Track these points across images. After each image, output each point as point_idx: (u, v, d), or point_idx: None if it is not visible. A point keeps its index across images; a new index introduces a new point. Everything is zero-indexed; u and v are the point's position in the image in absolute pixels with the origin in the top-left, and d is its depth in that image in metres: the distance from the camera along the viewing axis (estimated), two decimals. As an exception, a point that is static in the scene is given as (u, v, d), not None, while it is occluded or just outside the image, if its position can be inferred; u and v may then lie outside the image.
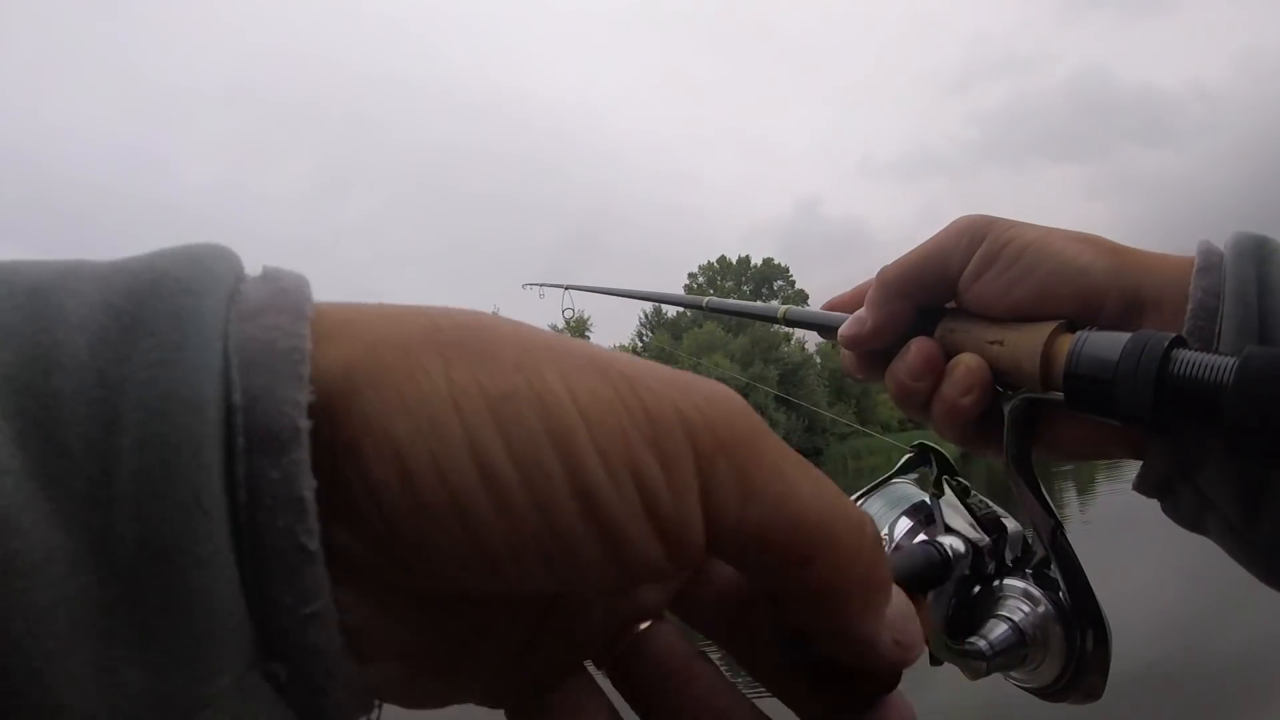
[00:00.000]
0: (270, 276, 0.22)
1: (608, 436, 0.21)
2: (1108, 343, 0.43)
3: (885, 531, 0.53)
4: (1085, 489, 15.99)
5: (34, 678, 0.17)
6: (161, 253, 0.22)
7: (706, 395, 0.22)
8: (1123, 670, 0.45)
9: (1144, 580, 7.24)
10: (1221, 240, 0.47)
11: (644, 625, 0.28)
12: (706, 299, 0.91)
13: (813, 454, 39.11)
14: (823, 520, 0.22)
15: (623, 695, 0.28)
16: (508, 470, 0.20)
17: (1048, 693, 0.47)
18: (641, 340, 45.72)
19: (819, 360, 43.67)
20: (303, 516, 0.19)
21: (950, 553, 0.47)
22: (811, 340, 44.04)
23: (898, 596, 0.25)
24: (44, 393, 0.19)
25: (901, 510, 0.54)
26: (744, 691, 0.27)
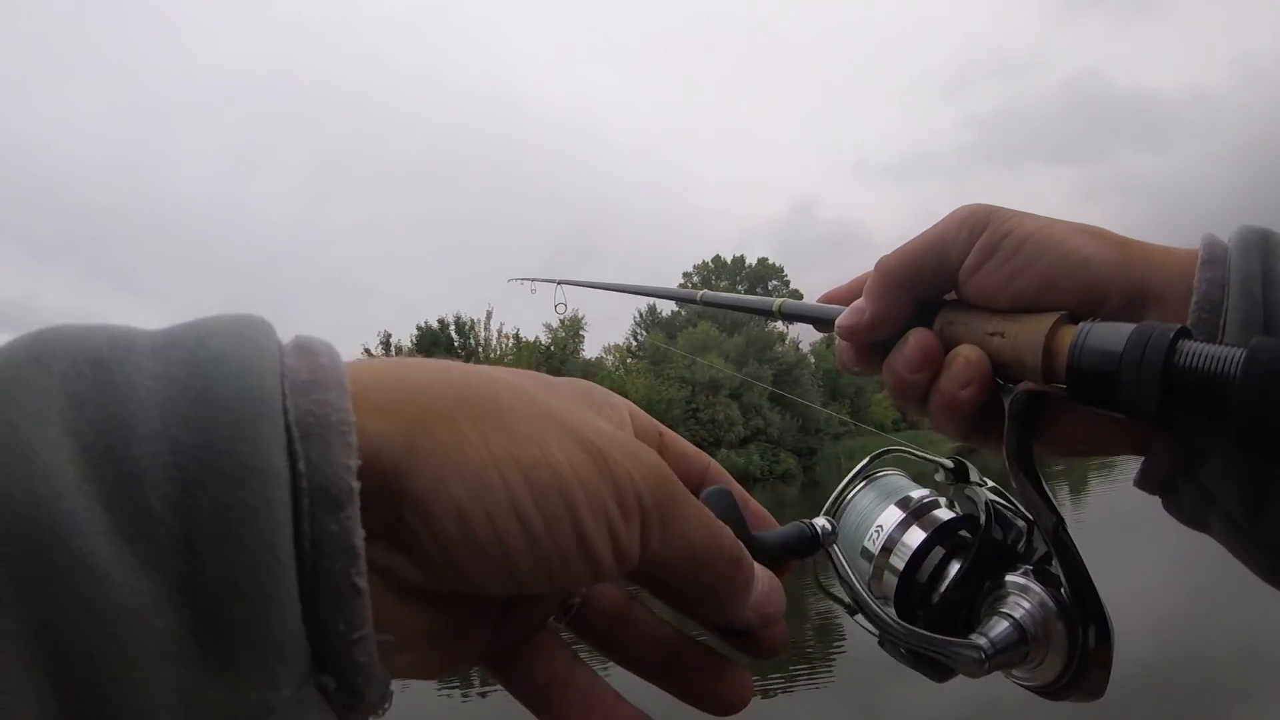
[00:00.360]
0: (305, 348, 0.27)
1: (593, 495, 0.29)
2: (1112, 334, 0.42)
3: (876, 521, 0.53)
4: (1079, 488, 15.95)
5: (127, 704, 0.22)
6: (210, 328, 0.26)
7: (648, 466, 0.32)
8: (1117, 668, 0.44)
9: (1138, 578, 7.26)
10: (1225, 235, 0.46)
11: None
12: (701, 293, 0.91)
13: (807, 454, 39.32)
14: (707, 548, 0.33)
15: (582, 639, 0.38)
16: (535, 518, 0.28)
17: (1049, 691, 0.46)
18: (636, 339, 45.69)
19: (813, 360, 43.80)
20: (355, 561, 0.24)
21: (819, 530, 0.45)
22: (806, 340, 43.85)
23: (764, 580, 0.36)
24: (124, 459, 0.23)
25: (893, 501, 0.53)
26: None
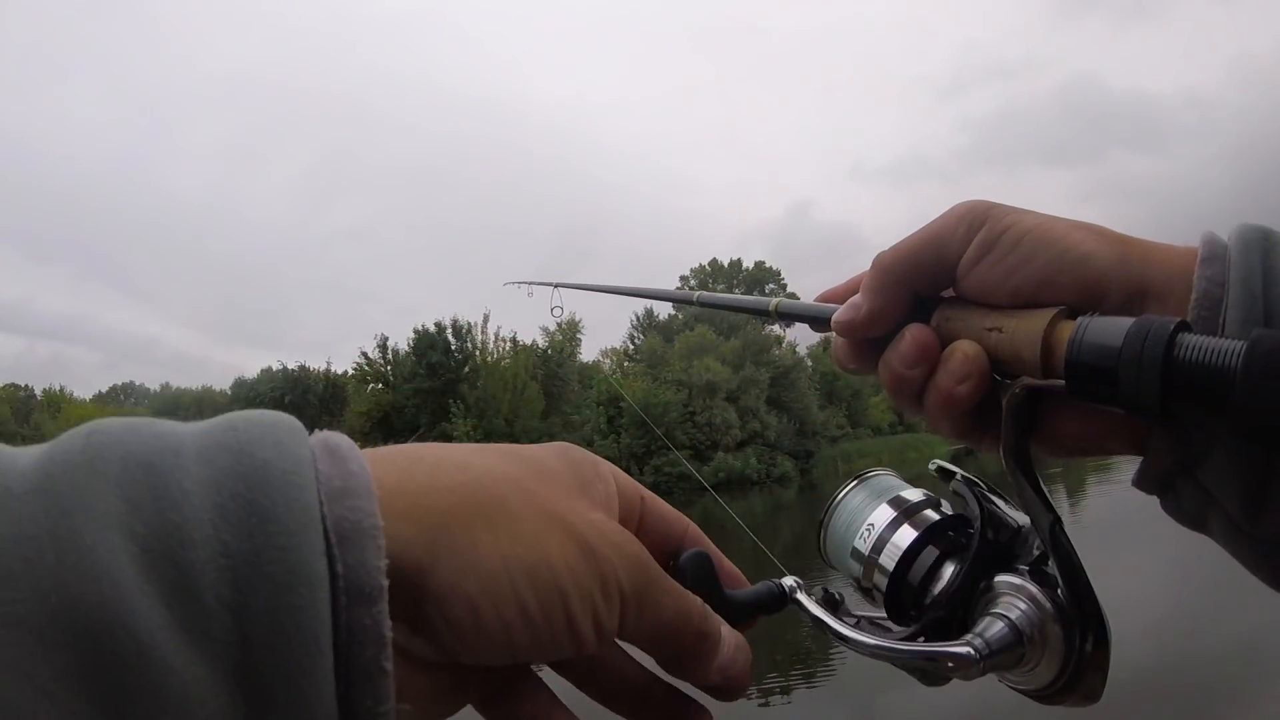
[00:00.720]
0: (334, 453, 0.31)
1: (583, 588, 0.35)
2: (1111, 328, 0.42)
3: (867, 520, 0.52)
4: (1076, 490, 16.02)
5: None
6: (249, 433, 0.29)
7: (629, 556, 0.37)
8: (1114, 671, 0.43)
9: (1135, 580, 7.25)
10: (1224, 235, 0.46)
11: None
12: (698, 294, 0.92)
13: (804, 457, 39.20)
14: (675, 626, 0.39)
15: (565, 677, 0.42)
16: (535, 609, 0.34)
17: (1044, 695, 0.45)
18: (633, 343, 45.69)
19: (810, 364, 43.77)
20: (384, 648, 0.28)
21: (785, 589, 0.48)
22: (803, 343, 43.51)
23: (731, 645, 0.42)
24: (182, 562, 0.26)
25: (885, 499, 0.53)
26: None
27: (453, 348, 37.16)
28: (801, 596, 0.48)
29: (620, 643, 0.41)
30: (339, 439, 0.32)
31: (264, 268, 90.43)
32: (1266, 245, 0.44)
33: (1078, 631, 0.43)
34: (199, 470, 0.28)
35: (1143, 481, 0.48)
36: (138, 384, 60.19)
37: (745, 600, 0.45)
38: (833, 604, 0.50)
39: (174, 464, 0.28)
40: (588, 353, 43.57)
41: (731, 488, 32.46)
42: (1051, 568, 0.45)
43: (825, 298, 0.60)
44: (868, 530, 0.52)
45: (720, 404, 35.16)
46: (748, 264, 54.95)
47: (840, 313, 0.54)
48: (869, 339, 0.54)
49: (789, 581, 0.48)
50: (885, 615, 0.50)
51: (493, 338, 37.88)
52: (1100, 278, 0.46)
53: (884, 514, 0.52)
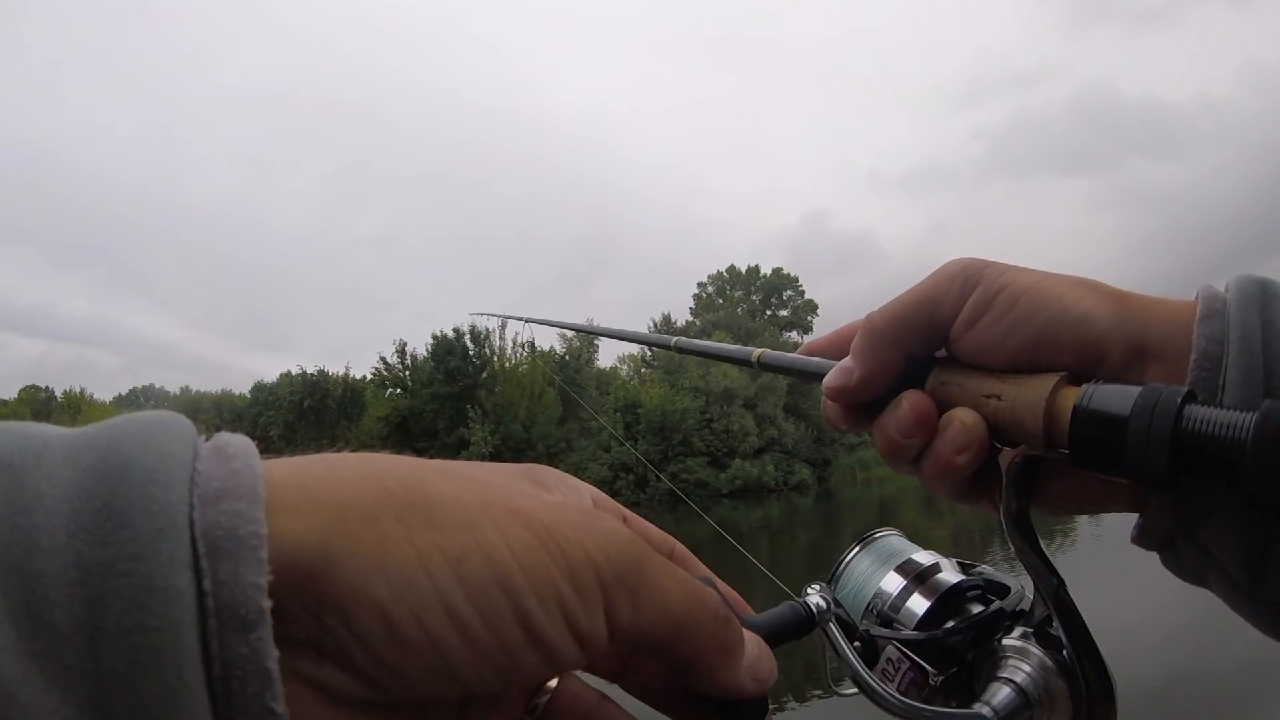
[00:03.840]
0: (222, 451, 0.25)
1: (539, 579, 0.28)
2: (1117, 397, 0.41)
3: (876, 586, 0.51)
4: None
5: None
6: (124, 429, 0.25)
7: (604, 534, 0.30)
8: (1129, 685, 0.44)
9: (1154, 594, 7.06)
10: (1222, 279, 0.46)
11: (552, 683, 0.36)
12: (676, 340, 0.83)
13: (821, 464, 39.03)
14: (687, 615, 0.32)
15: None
16: (469, 613, 0.26)
17: None
18: (650, 350, 45.68)
19: None
20: (269, 684, 0.23)
21: (814, 610, 0.44)
22: None
23: (753, 645, 0.35)
24: (29, 574, 0.22)
25: (892, 566, 0.52)
26: None
27: (471, 353, 37.54)
28: (834, 629, 0.45)
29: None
30: (234, 438, 0.27)
31: (285, 274, 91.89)
32: (1265, 299, 0.43)
33: (1084, 690, 0.44)
34: (60, 471, 0.23)
35: (1142, 539, 0.47)
36: (158, 387, 61.16)
37: (766, 626, 0.41)
38: (853, 633, 0.49)
39: (34, 464, 0.23)
40: (605, 358, 43.60)
41: (748, 495, 32.56)
42: (1056, 628, 0.45)
43: (810, 350, 0.59)
44: (878, 599, 0.51)
45: (738, 411, 35.14)
46: (765, 270, 54.86)
47: (831, 377, 0.53)
48: (861, 402, 0.53)
49: (816, 599, 0.44)
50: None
51: (510, 343, 38.14)
52: (1099, 338, 0.45)
53: (893, 581, 0.51)
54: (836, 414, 0.54)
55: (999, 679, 0.45)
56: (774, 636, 0.40)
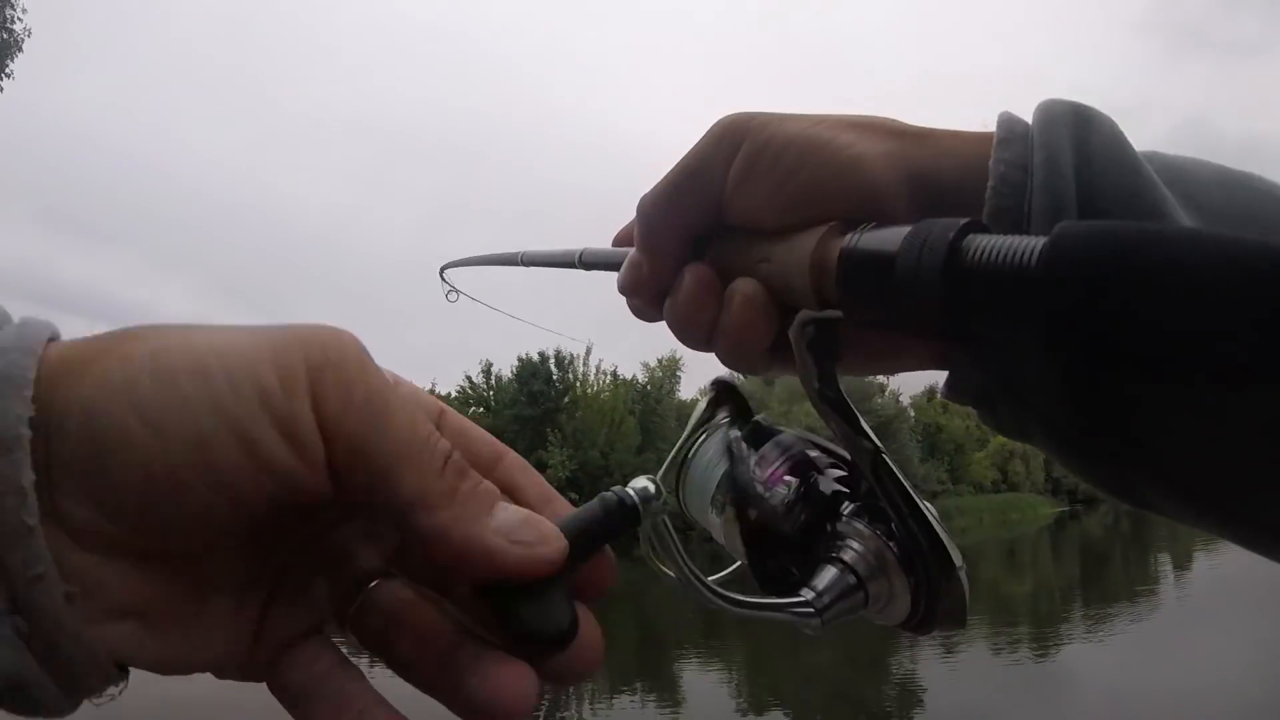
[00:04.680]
0: (21, 323, 0.28)
1: (236, 360, 0.27)
2: (884, 240, 0.36)
3: (721, 467, 0.47)
4: (1182, 563, 16.83)
5: None
6: None
7: (327, 330, 0.30)
8: None
9: (1240, 651, 7.77)
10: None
11: (372, 584, 0.35)
12: (522, 253, 0.76)
13: None
14: (411, 434, 0.29)
15: (366, 648, 0.34)
16: (157, 401, 0.26)
17: (910, 627, 0.41)
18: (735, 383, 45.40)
19: (912, 414, 37.02)
20: (24, 498, 0.25)
21: (637, 498, 0.36)
22: (906, 393, 40.14)
23: (513, 510, 0.32)
24: None
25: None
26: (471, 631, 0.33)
27: (554, 377, 37.21)
28: (658, 522, 0.37)
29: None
30: (38, 320, 0.29)
31: (380, 290, 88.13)
32: (1077, 120, 0.38)
33: (919, 561, 0.39)
34: None
35: (952, 394, 0.43)
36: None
37: (580, 525, 0.34)
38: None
39: None
40: (687, 390, 38.51)
41: None
42: (883, 501, 0.41)
43: (620, 239, 0.55)
44: (725, 480, 0.48)
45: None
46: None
47: (623, 275, 0.49)
48: (658, 292, 0.48)
49: (642, 483, 0.36)
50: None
51: (594, 370, 38.15)
52: (879, 181, 0.39)
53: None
54: (640, 308, 0.50)
55: (827, 559, 0.41)
56: (584, 533, 0.34)
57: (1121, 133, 0.38)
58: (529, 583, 0.31)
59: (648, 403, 39.17)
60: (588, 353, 37.63)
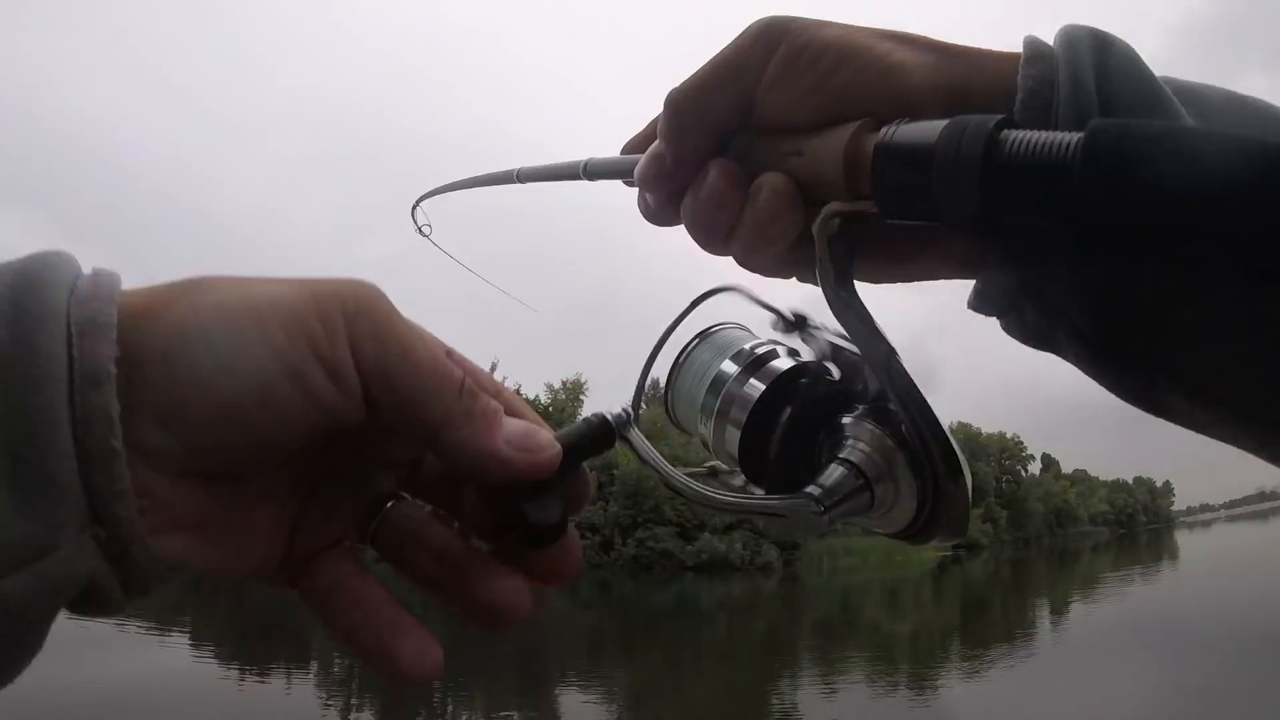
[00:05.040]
0: (95, 273, 0.32)
1: (287, 312, 0.32)
2: (922, 131, 0.37)
3: (710, 374, 0.48)
4: (1059, 609, 17.73)
5: None
6: (32, 257, 0.32)
7: (358, 283, 0.35)
8: None
9: (1114, 693, 8.24)
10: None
11: (389, 504, 0.40)
12: (519, 169, 0.78)
13: (790, 547, 37.04)
14: (433, 368, 0.35)
15: (384, 560, 0.40)
16: (225, 344, 0.31)
17: (908, 535, 0.42)
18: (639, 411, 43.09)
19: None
20: (111, 426, 0.29)
21: (612, 420, 0.41)
22: (1034, 466, 38.54)
23: (517, 423, 0.37)
24: None
25: (728, 355, 0.49)
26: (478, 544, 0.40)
27: None
28: (634, 434, 0.41)
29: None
30: (106, 270, 0.33)
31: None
32: (1097, 44, 0.40)
33: (928, 466, 0.39)
34: None
35: (979, 303, 0.44)
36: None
37: (569, 440, 0.39)
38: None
39: None
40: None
41: (713, 570, 32.98)
42: (894, 404, 0.40)
43: (630, 147, 0.54)
44: (716, 386, 0.48)
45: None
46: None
47: (643, 165, 0.48)
48: (677, 188, 0.47)
49: (617, 410, 0.41)
50: (741, 470, 0.48)
51: None
52: (913, 87, 0.41)
53: (730, 369, 0.48)
54: (653, 206, 0.50)
55: (836, 459, 0.41)
56: (573, 447, 0.39)
57: (1138, 54, 0.40)
58: (530, 485, 0.37)
59: (551, 421, 37.11)
60: (493, 368, 35.58)
